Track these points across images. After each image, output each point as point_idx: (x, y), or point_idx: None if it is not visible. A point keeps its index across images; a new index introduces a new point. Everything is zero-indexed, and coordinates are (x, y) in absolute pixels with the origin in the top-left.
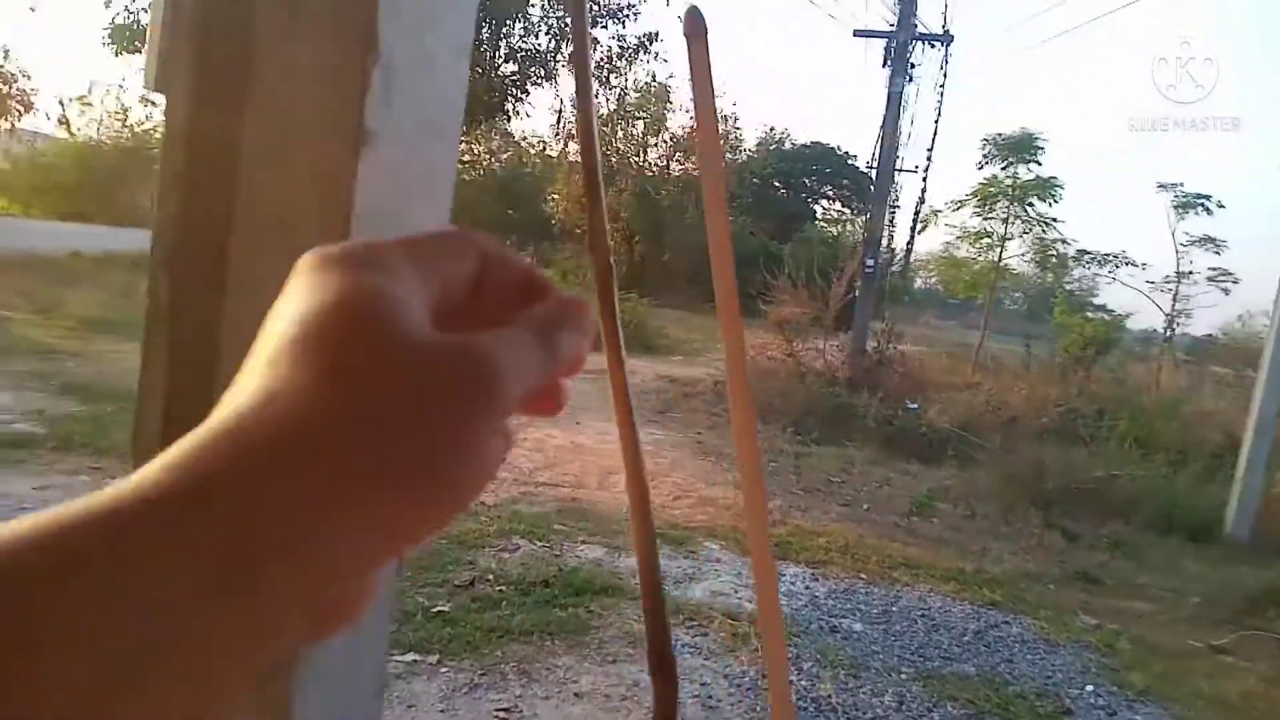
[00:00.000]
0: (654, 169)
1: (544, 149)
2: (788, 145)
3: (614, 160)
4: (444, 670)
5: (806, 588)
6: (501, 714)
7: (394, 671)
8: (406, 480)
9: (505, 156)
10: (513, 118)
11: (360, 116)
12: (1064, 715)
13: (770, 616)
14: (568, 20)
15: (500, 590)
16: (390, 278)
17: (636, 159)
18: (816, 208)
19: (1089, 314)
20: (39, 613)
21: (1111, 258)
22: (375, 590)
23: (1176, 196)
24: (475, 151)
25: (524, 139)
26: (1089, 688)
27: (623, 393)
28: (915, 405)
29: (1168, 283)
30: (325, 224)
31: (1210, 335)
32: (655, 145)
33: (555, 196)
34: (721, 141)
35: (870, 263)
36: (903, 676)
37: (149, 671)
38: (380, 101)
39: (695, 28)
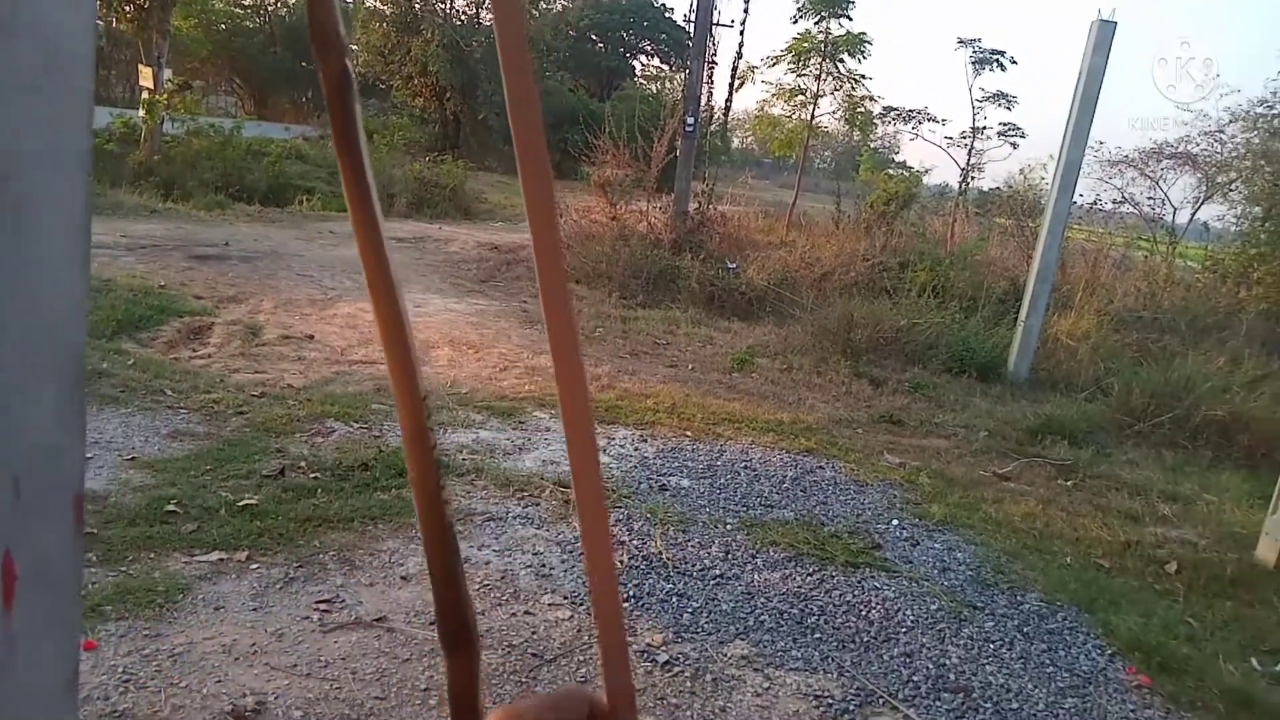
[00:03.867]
0: (462, 17)
1: None
2: None
3: (418, 7)
4: (254, 566)
5: (636, 449)
6: (322, 605)
7: (196, 574)
8: None
9: (293, 1)
10: None
11: None
12: (874, 550)
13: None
14: None
15: (315, 477)
16: None
17: (443, 5)
18: (635, 64)
19: (890, 171)
20: None
21: (915, 113)
22: None
23: (974, 52)
24: None
25: None
26: (894, 522)
27: (377, 251)
28: (735, 265)
29: (963, 138)
30: None
31: (996, 188)
32: None
33: (354, 47)
34: None
35: (690, 121)
36: (728, 527)
37: None
38: None
39: None
